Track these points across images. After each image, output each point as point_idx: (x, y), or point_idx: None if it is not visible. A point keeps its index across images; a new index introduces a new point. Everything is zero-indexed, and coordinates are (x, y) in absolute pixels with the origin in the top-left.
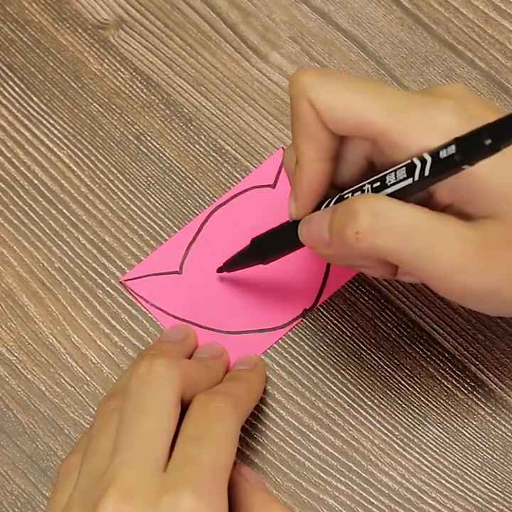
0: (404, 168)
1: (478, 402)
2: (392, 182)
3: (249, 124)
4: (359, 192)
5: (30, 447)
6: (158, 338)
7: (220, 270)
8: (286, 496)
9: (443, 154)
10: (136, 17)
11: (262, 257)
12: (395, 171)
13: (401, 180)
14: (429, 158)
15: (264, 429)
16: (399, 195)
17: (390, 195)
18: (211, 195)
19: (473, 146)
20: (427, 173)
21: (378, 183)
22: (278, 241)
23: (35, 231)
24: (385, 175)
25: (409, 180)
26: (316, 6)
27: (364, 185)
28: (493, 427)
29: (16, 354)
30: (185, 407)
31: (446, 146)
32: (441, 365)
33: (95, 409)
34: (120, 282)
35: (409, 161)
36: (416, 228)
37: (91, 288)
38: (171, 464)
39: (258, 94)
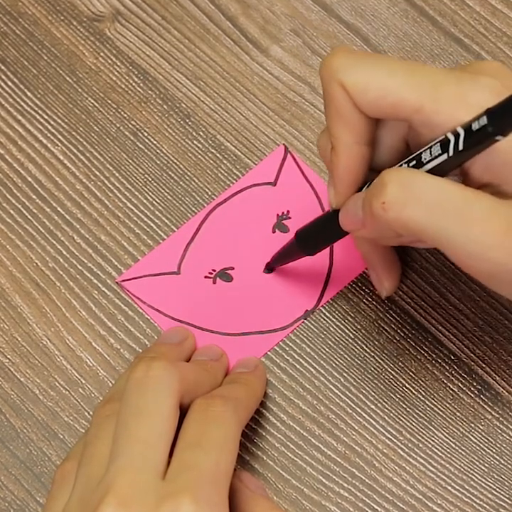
0: (439, 143)
1: (485, 406)
2: (428, 159)
3: (249, 120)
4: None
5: (23, 452)
6: (155, 340)
7: (267, 270)
8: (287, 502)
9: (475, 126)
10: (132, 9)
11: (309, 250)
12: (430, 147)
13: (436, 157)
14: (461, 132)
15: (264, 434)
16: (436, 173)
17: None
18: (210, 193)
19: (504, 116)
20: (461, 147)
21: (414, 162)
22: (322, 232)
23: (28, 230)
24: (421, 153)
25: (445, 156)
26: None
27: (401, 166)
28: (500, 431)
29: (8, 356)
30: (184, 411)
31: (477, 118)
32: (447, 367)
33: (91, 413)
34: (116, 283)
35: (443, 136)
36: (448, 201)
37: (86, 288)
38: (170, 470)
39: (258, 89)
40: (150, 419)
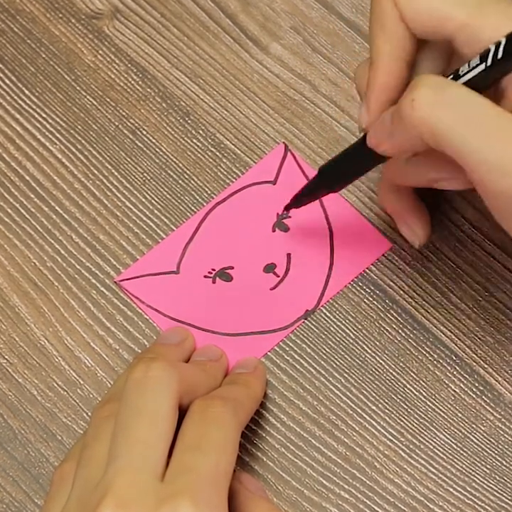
0: (478, 55)
1: (487, 407)
2: (465, 71)
3: (249, 118)
4: None
5: (21, 454)
6: (154, 340)
7: (287, 208)
8: (287, 504)
9: None
10: (131, 6)
11: (332, 184)
12: (469, 61)
13: (474, 68)
14: (503, 39)
15: (264, 435)
16: (472, 86)
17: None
18: (209, 192)
19: None
20: (500, 54)
21: (451, 76)
22: (346, 164)
23: (26, 229)
24: (459, 67)
25: (482, 66)
26: None
27: None
28: (502, 432)
29: (6, 357)
30: (182, 412)
31: None
32: (449, 368)
33: (89, 414)
34: (115, 282)
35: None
36: (479, 112)
37: (84, 288)
38: (168, 472)
39: (258, 87)
40: (149, 419)
